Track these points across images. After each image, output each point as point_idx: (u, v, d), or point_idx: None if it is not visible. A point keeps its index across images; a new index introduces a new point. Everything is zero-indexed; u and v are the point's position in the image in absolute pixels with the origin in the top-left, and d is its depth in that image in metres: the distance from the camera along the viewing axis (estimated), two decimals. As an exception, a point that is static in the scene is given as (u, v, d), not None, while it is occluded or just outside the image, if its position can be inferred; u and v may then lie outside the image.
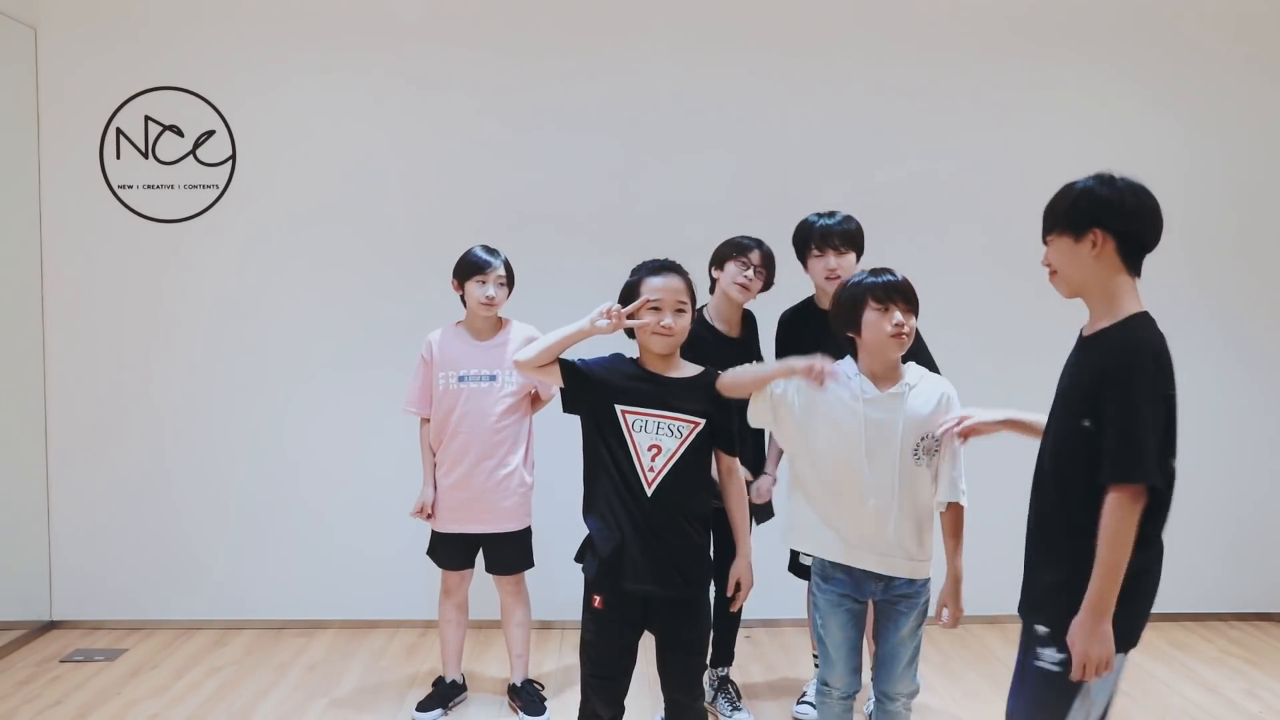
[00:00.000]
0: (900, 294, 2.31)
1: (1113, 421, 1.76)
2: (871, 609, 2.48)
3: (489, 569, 3.27)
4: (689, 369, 2.47)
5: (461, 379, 3.17)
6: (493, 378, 3.16)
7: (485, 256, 3.15)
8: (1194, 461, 4.27)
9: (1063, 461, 1.87)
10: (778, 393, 2.39)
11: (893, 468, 2.29)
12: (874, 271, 2.35)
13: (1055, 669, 1.86)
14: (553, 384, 2.49)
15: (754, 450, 3.18)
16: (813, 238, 3.02)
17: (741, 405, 2.46)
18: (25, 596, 4.05)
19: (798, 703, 3.34)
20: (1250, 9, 4.21)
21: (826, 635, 2.41)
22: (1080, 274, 1.88)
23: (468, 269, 3.17)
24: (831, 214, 3.04)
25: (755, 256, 3.08)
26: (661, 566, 2.34)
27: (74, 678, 3.59)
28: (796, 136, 4.11)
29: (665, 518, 2.35)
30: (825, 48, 4.12)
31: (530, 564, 3.28)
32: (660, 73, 4.09)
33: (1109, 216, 1.83)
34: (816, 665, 2.65)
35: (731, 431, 2.47)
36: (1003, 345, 4.08)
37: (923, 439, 2.31)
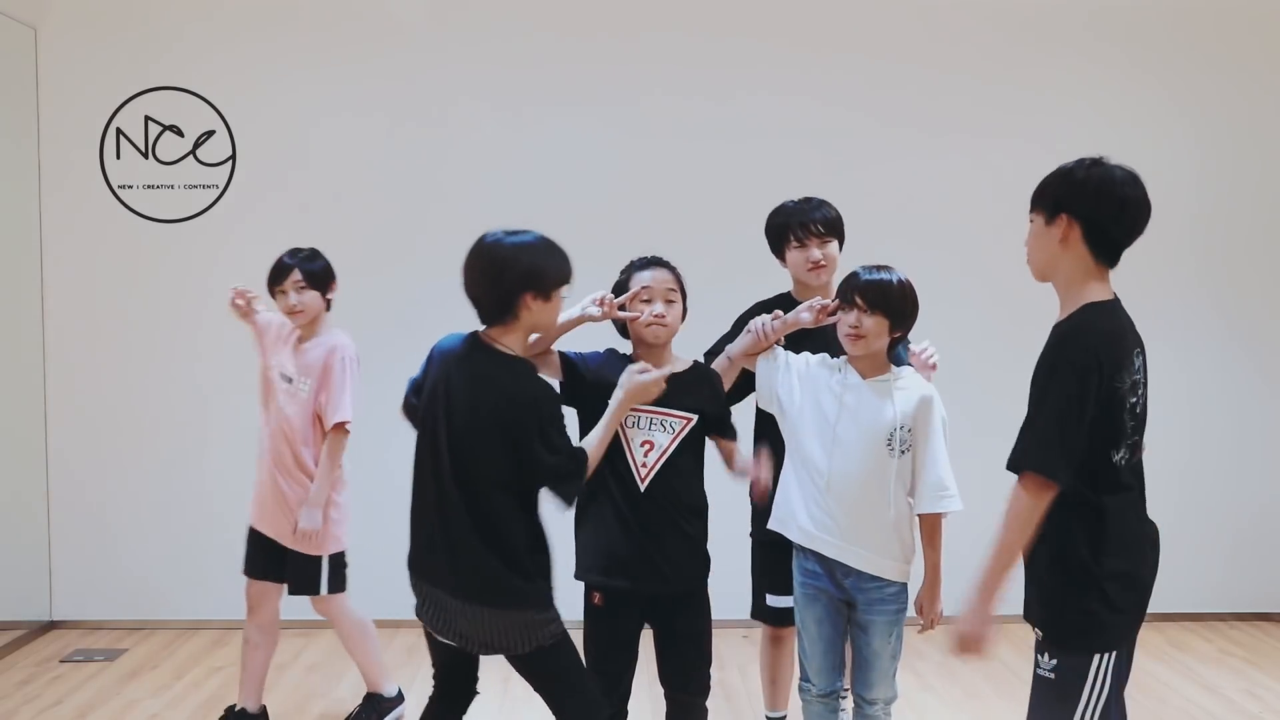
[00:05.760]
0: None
1: (1028, 410, 1.79)
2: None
3: None
4: (681, 364, 2.47)
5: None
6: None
7: (286, 260, 3.07)
8: (1195, 460, 4.31)
9: None
10: (788, 356, 2.43)
11: (861, 457, 2.28)
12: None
13: (1049, 675, 1.81)
14: (553, 376, 2.49)
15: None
16: (791, 227, 2.65)
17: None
18: (25, 596, 4.06)
19: None
20: (1265, 9, 4.22)
21: (804, 629, 2.42)
22: (1045, 257, 1.86)
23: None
24: (807, 200, 2.68)
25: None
26: (655, 562, 2.35)
27: (74, 678, 3.59)
28: (798, 136, 4.10)
29: (658, 513, 2.35)
30: (829, 47, 4.12)
31: None
32: (660, 71, 4.09)
33: (1074, 202, 1.80)
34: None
35: (728, 420, 2.48)
36: (1002, 347, 4.06)
37: (898, 429, 2.28)
